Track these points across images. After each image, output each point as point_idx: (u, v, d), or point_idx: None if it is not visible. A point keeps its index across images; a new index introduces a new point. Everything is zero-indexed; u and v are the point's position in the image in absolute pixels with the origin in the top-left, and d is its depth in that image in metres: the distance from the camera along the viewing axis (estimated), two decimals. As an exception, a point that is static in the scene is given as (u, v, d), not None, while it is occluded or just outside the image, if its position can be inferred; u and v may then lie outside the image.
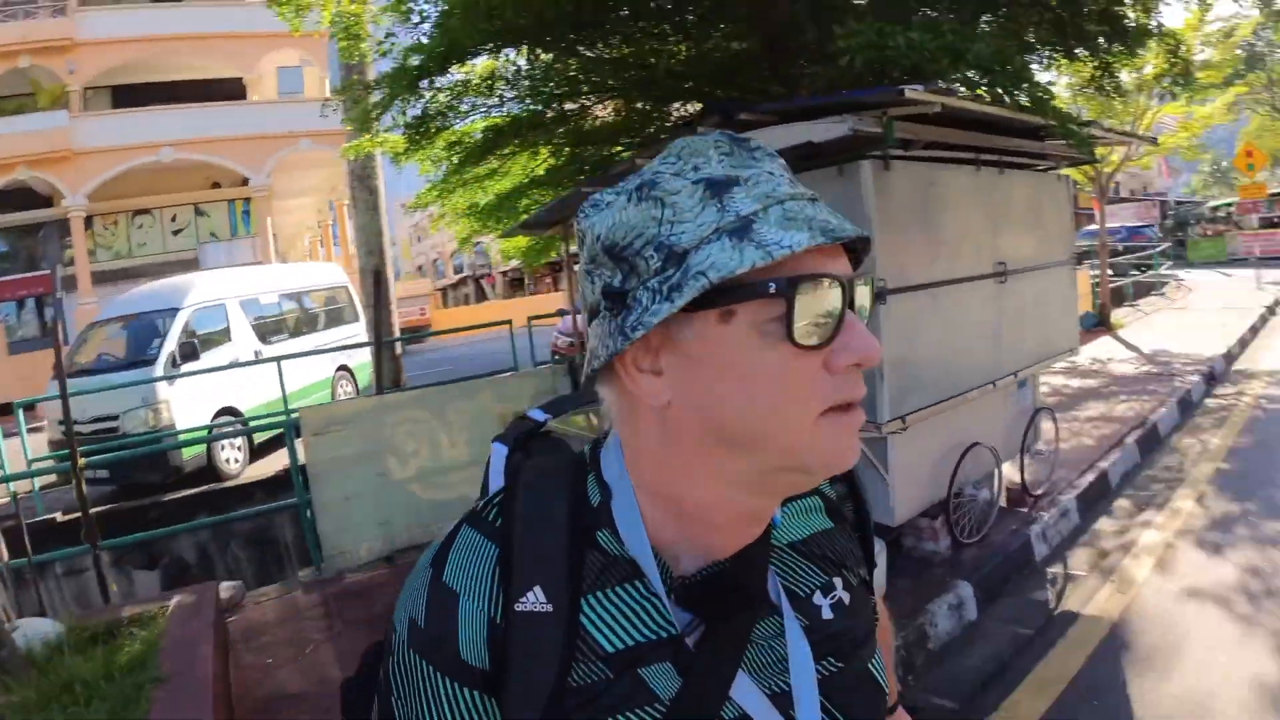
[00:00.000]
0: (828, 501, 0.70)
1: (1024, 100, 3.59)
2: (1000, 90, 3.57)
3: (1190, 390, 7.39)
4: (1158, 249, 19.02)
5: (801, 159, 3.43)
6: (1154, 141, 10.28)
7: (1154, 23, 4.93)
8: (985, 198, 4.17)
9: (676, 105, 6.36)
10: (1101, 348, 10.19)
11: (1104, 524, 4.64)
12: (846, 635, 0.64)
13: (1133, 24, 4.72)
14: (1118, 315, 12.60)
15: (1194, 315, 12.31)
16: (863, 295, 0.55)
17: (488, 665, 0.55)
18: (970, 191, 4.06)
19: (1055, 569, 4.10)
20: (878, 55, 3.36)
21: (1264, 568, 3.79)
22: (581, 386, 0.61)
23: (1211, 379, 8.09)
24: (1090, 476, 5.10)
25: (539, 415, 0.70)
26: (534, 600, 0.55)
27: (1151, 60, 9.24)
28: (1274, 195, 21.32)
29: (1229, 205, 24.57)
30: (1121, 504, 4.93)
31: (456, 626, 0.55)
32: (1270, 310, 12.35)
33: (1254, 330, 10.74)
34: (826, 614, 0.63)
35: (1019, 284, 4.39)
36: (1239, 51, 16.03)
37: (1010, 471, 4.71)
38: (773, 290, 0.50)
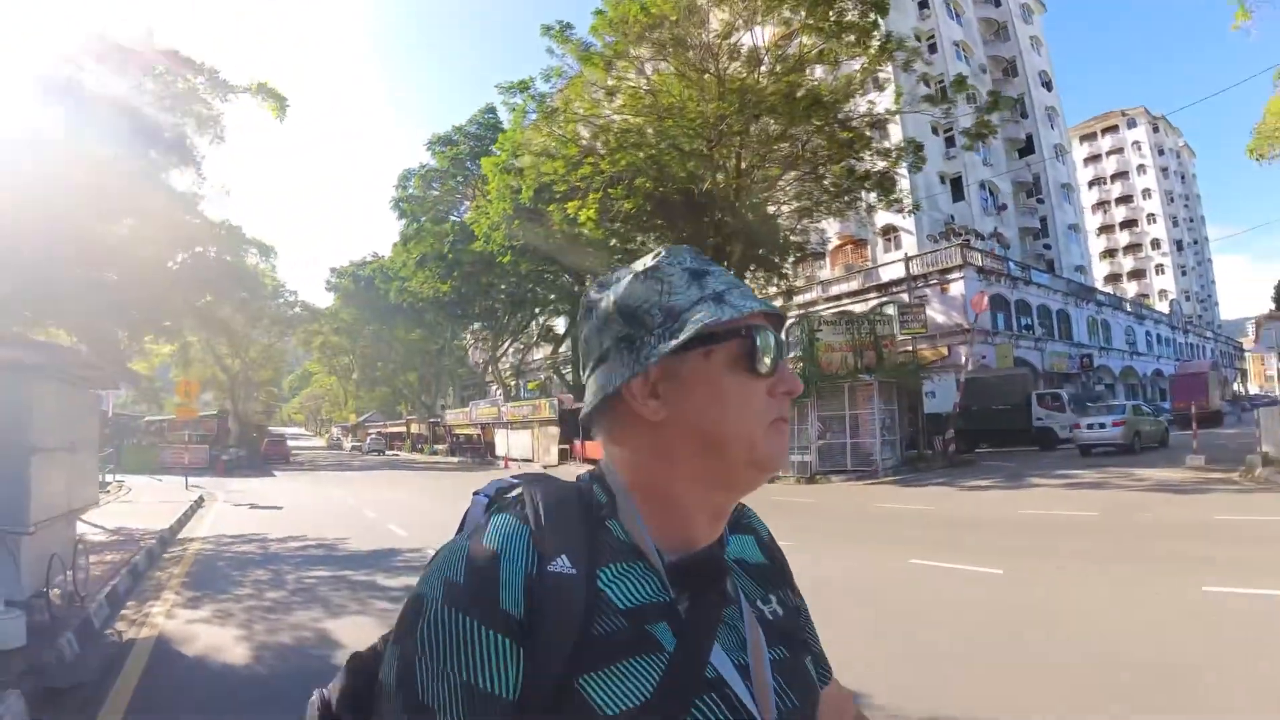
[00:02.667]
0: (762, 544, 1.01)
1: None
2: None
3: (152, 547, 11.16)
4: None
5: None
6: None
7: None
8: (67, 406, 7.24)
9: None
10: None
11: (128, 612, 7.83)
12: (789, 633, 0.91)
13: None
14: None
15: (141, 506, 16.44)
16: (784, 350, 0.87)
17: (523, 615, 0.72)
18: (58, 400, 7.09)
19: (110, 630, 7.10)
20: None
21: (224, 611, 7.78)
22: (581, 418, 0.92)
23: (164, 542, 12.10)
24: (108, 588, 8.19)
25: (510, 480, 0.92)
26: (562, 565, 0.75)
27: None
28: (204, 416, 28.50)
29: (163, 421, 30.99)
30: (131, 603, 8.20)
31: (498, 581, 0.73)
32: (198, 502, 17.67)
33: (188, 515, 15.62)
34: (769, 616, 0.90)
35: (78, 454, 7.45)
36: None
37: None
38: (743, 334, 0.82)
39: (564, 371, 39.49)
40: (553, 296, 35.83)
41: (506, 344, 46.92)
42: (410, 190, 41.12)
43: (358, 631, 6.68)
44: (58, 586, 6.94)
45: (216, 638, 6.74)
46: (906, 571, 8.76)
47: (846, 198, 26.69)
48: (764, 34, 23.30)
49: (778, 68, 22.43)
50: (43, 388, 6.29)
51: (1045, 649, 5.65)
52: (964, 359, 35.16)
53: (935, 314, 37.00)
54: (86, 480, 7.88)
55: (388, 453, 60.90)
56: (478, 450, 44.76)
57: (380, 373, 63.23)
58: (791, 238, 30.37)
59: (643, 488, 0.83)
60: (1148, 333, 55.85)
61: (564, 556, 0.76)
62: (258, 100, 11.47)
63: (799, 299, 40.57)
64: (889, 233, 41.83)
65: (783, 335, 0.89)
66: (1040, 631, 6.10)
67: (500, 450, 40.08)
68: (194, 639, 6.75)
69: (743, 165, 23.16)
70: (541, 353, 43.98)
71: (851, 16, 22.55)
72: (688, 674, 0.75)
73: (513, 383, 48.04)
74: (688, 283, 0.85)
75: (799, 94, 21.36)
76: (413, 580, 4.26)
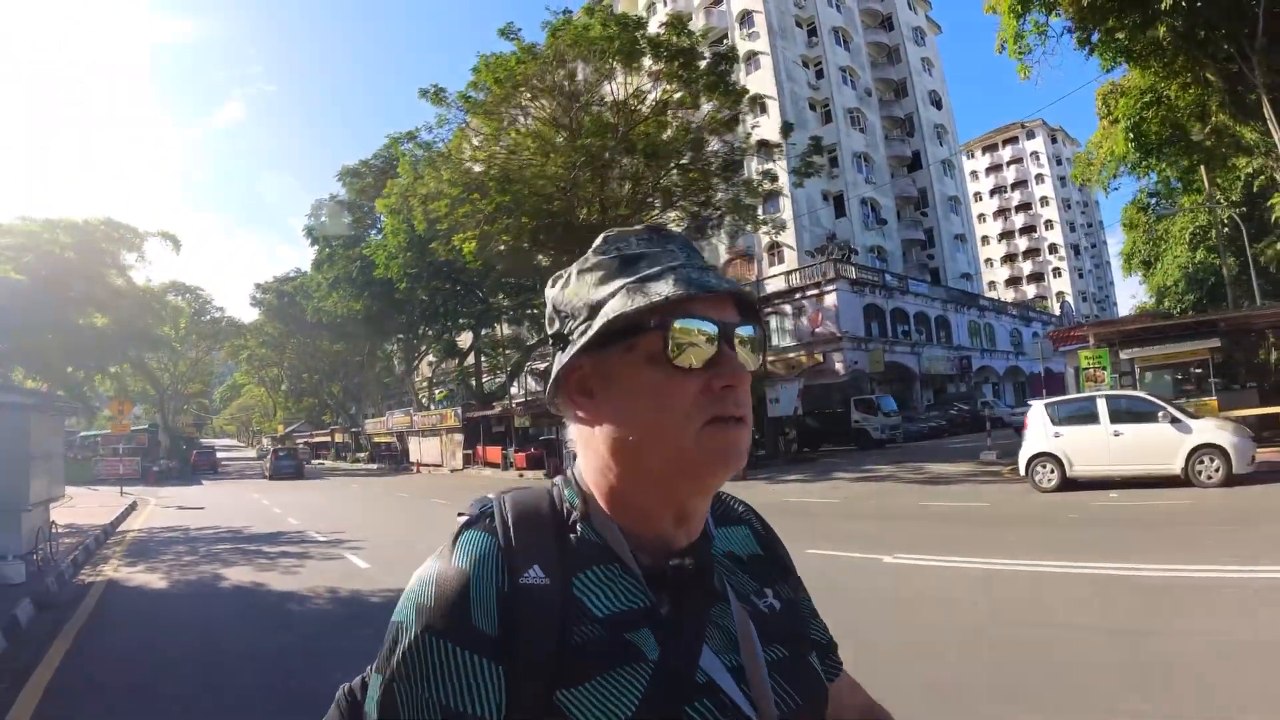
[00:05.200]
0: (757, 535, 0.98)
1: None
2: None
3: (98, 535, 15.10)
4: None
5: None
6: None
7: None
8: (46, 428, 11.28)
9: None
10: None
11: (85, 572, 11.81)
12: (787, 629, 0.88)
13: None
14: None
15: (83, 509, 20.16)
16: (746, 337, 0.81)
17: (497, 630, 0.71)
18: (42, 425, 11.14)
19: (75, 580, 11.13)
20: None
21: (153, 567, 11.94)
22: (547, 400, 0.88)
23: (107, 533, 16.06)
24: (70, 557, 12.14)
25: (493, 497, 0.89)
26: (534, 575, 0.74)
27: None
28: (135, 431, 32.20)
29: (96, 436, 34.58)
30: (87, 567, 12.18)
31: (469, 599, 0.73)
32: (132, 506, 21.84)
33: (124, 515, 19.70)
34: (764, 610, 0.88)
35: (52, 460, 11.43)
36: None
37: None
38: (653, 325, 0.77)
39: (470, 382, 43.58)
40: (463, 310, 39.79)
41: (420, 356, 50.94)
42: (323, 219, 45.36)
43: (238, 574, 10.84)
44: (39, 551, 10.95)
45: (148, 579, 10.89)
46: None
47: (710, 224, 31.24)
48: (623, 85, 27.66)
49: (639, 112, 26.71)
50: (34, 417, 10.34)
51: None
52: (836, 365, 40.09)
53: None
54: (57, 479, 11.89)
55: (315, 461, 64.56)
56: (394, 457, 48.42)
57: (306, 383, 66.57)
58: None
59: (601, 490, 0.82)
60: (1035, 334, 60.80)
61: (536, 567, 0.75)
62: (161, 240, 17.62)
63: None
64: (773, 249, 46.59)
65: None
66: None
67: (414, 456, 43.95)
68: (133, 580, 10.87)
69: (605, 202, 27.43)
70: (454, 364, 47.83)
71: (704, 66, 26.96)
72: (675, 682, 0.74)
73: (426, 393, 52.01)
74: (617, 270, 0.82)
75: (639, 145, 25.70)
76: (290, 548, 10.48)
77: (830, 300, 40.84)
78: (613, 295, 0.79)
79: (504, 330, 44.33)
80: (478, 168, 27.18)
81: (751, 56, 49.14)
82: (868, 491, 17.08)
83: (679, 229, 31.98)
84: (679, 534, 0.82)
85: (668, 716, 0.73)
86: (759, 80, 48.18)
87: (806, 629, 0.95)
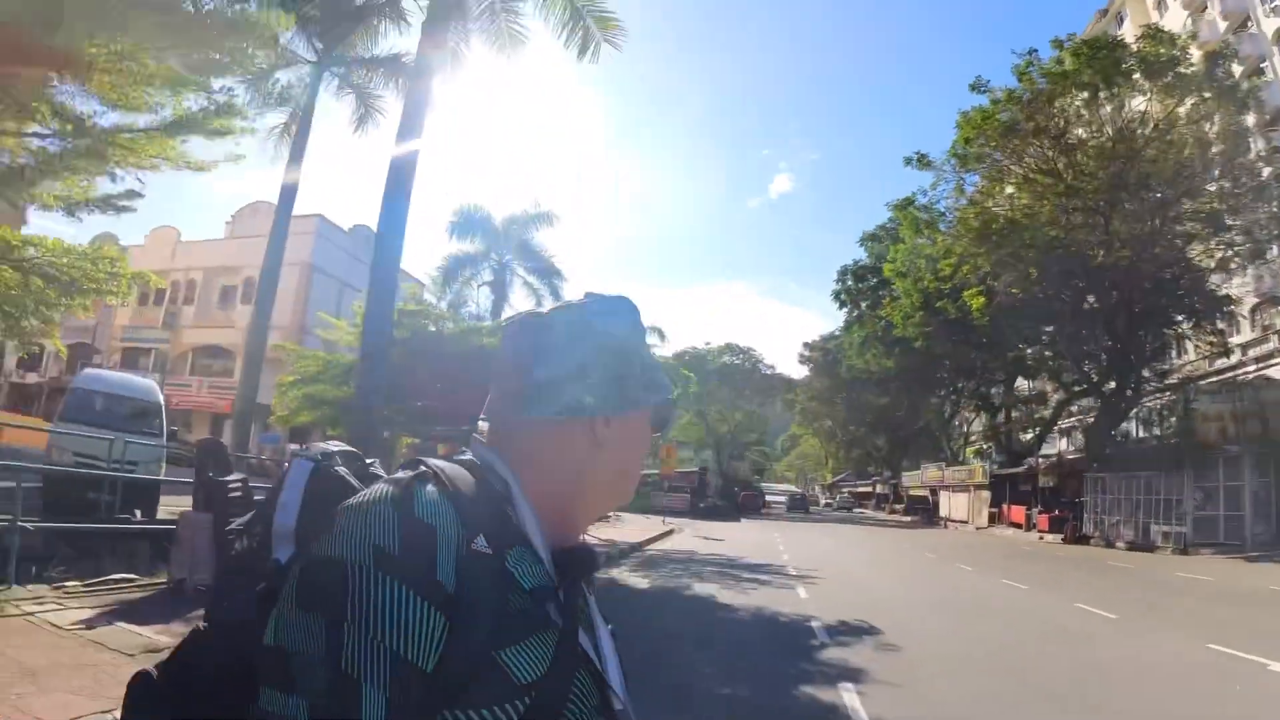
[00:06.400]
0: None
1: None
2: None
3: (624, 549, 18.46)
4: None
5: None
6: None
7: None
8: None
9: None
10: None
11: (607, 569, 14.75)
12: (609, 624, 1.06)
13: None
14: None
15: (625, 529, 24.83)
16: None
17: (453, 588, 0.78)
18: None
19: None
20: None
21: (647, 575, 14.47)
22: (522, 416, 0.97)
23: (634, 547, 19.51)
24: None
25: (332, 447, 1.06)
26: (481, 544, 0.82)
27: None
28: (684, 471, 38.08)
29: (655, 474, 41.70)
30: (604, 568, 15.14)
31: (435, 553, 0.78)
32: (667, 532, 26.03)
33: (655, 538, 23.75)
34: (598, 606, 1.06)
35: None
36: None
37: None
38: (671, 405, 1.10)
39: (1000, 438, 41.43)
40: (994, 364, 38.07)
41: (956, 411, 49.90)
42: (848, 283, 48.30)
43: (703, 584, 12.72)
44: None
45: (638, 581, 13.44)
46: (1053, 607, 12.15)
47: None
48: (1116, 111, 24.70)
49: (1140, 135, 23.89)
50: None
51: (1074, 661, 8.59)
52: None
53: None
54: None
55: (855, 510, 68.30)
56: (926, 511, 48.42)
57: (853, 435, 69.51)
58: (1218, 293, 28.61)
59: (549, 492, 0.94)
60: None
61: (482, 536, 0.82)
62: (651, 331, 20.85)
63: (1254, 352, 36.01)
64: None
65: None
66: (1076, 648, 9.04)
67: (943, 511, 43.10)
68: (627, 580, 13.53)
69: (1114, 240, 24.73)
70: (987, 419, 45.84)
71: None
72: (571, 649, 0.85)
73: (961, 447, 50.50)
74: (646, 342, 1.07)
75: (1131, 177, 22.81)
76: (761, 575, 16.28)
77: None
78: (657, 366, 1.05)
79: (1036, 384, 41.03)
80: (979, 222, 26.93)
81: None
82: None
83: (1215, 260, 25.54)
84: (575, 536, 1.00)
85: (567, 676, 0.83)
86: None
87: None
